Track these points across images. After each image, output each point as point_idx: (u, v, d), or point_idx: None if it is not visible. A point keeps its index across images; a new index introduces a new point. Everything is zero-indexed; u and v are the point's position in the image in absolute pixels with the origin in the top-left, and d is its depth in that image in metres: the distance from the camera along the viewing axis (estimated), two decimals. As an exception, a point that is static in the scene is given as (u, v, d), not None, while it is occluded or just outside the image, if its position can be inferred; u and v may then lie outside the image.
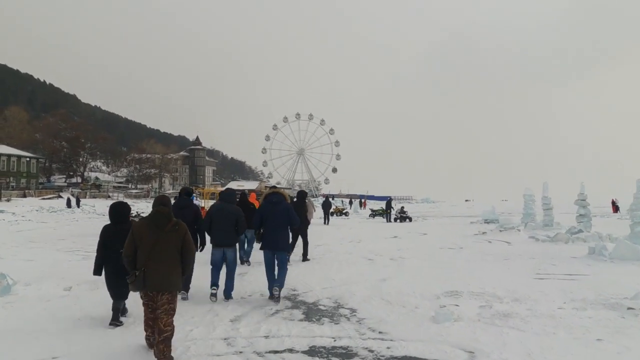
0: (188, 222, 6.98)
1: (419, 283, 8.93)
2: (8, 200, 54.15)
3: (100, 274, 6.29)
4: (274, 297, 7.59)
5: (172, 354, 4.96)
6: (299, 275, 9.84)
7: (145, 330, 5.23)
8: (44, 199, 61.24)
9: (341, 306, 7.26)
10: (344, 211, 41.06)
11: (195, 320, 6.36)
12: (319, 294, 8.15)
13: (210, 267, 7.76)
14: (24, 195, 63.26)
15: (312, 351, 5.22)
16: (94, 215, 37.90)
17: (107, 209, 6.80)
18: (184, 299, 7.45)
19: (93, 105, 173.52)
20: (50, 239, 18.12)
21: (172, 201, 6.71)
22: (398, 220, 30.58)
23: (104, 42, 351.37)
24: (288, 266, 8.33)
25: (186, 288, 7.62)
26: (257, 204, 12.12)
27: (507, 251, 14.12)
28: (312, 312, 6.91)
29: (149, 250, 4.98)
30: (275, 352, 5.19)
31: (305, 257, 12.22)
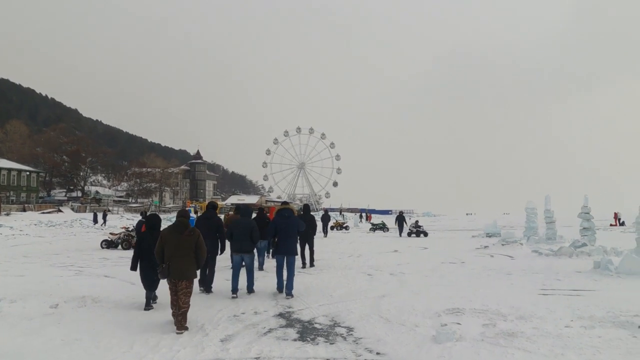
0: (212, 230, 9.33)
1: (419, 300, 8.61)
2: (7, 215, 53.87)
3: (136, 270, 8.00)
4: (282, 292, 9.17)
5: None
6: (296, 292, 9.51)
7: (172, 308, 6.69)
8: (43, 213, 60.94)
9: (337, 324, 6.94)
10: (344, 225, 40.72)
11: (183, 340, 6.04)
12: (315, 311, 7.82)
13: (231, 272, 9.36)
14: (24, 210, 63.02)
15: (304, 374, 4.89)
16: (92, 229, 37.59)
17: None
18: (205, 292, 9.38)
19: (94, 119, 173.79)
20: (45, 253, 17.80)
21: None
22: (413, 235, 28.78)
23: (105, 56, 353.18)
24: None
25: (208, 288, 9.48)
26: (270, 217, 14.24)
27: (510, 266, 13.79)
28: (307, 331, 6.58)
29: (172, 249, 6.71)
30: (266, 375, 4.86)
31: (311, 263, 13.72)
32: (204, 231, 7.75)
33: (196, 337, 6.22)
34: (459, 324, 6.83)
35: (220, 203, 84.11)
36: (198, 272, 7.23)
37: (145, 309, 7.82)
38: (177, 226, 6.95)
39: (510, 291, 9.50)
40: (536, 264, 14.12)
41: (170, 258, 6.69)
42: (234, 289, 9.05)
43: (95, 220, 45.07)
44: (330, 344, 5.96)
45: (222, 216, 15.82)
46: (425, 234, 29.14)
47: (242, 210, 10.08)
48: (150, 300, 8.03)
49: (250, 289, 9.35)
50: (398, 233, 30.12)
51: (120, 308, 7.97)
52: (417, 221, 32.27)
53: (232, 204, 69.36)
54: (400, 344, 5.92)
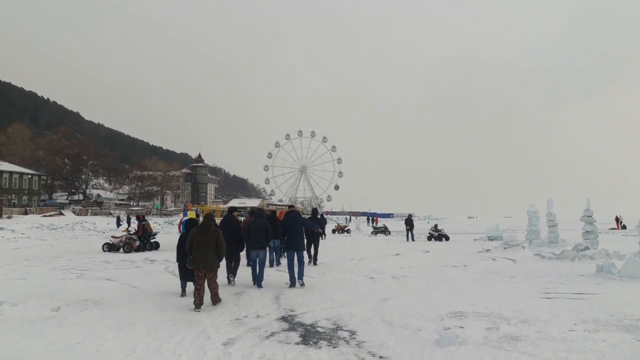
0: (231, 230, 10.86)
1: (422, 303, 8.57)
2: (9, 218, 53.91)
3: (179, 261, 9.53)
4: (294, 285, 10.54)
5: None
6: (298, 295, 9.50)
7: (194, 294, 8.22)
8: (45, 216, 60.95)
9: (340, 328, 6.91)
10: (345, 228, 40.68)
11: (185, 344, 6.01)
12: (318, 314, 7.79)
13: (250, 266, 11.04)
14: (25, 213, 63.02)
15: (307, 378, 4.86)
16: (94, 232, 37.59)
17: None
18: (231, 283, 10.79)
19: (96, 122, 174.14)
20: (46, 256, 17.80)
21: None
22: (433, 239, 27.81)
23: (108, 60, 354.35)
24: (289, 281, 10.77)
25: (234, 273, 11.08)
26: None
27: (512, 269, 13.74)
28: (310, 335, 6.55)
29: (198, 244, 8.38)
30: (268, 379, 4.83)
31: (314, 262, 15.09)
32: (224, 231, 9.60)
33: (198, 341, 6.19)
34: (462, 327, 6.79)
35: (221, 207, 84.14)
36: (221, 263, 8.79)
37: (181, 296, 9.36)
38: (203, 226, 8.57)
39: (513, 295, 9.46)
40: (539, 267, 14.07)
41: (197, 251, 8.34)
42: (254, 280, 10.69)
43: (118, 224, 45.03)
44: (333, 347, 5.93)
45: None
46: (447, 238, 27.93)
47: (256, 212, 11.83)
48: (185, 289, 9.49)
49: (259, 283, 10.60)
50: (406, 237, 28.62)
51: (122, 311, 7.95)
52: (436, 225, 30.98)
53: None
54: (403, 347, 5.88)
